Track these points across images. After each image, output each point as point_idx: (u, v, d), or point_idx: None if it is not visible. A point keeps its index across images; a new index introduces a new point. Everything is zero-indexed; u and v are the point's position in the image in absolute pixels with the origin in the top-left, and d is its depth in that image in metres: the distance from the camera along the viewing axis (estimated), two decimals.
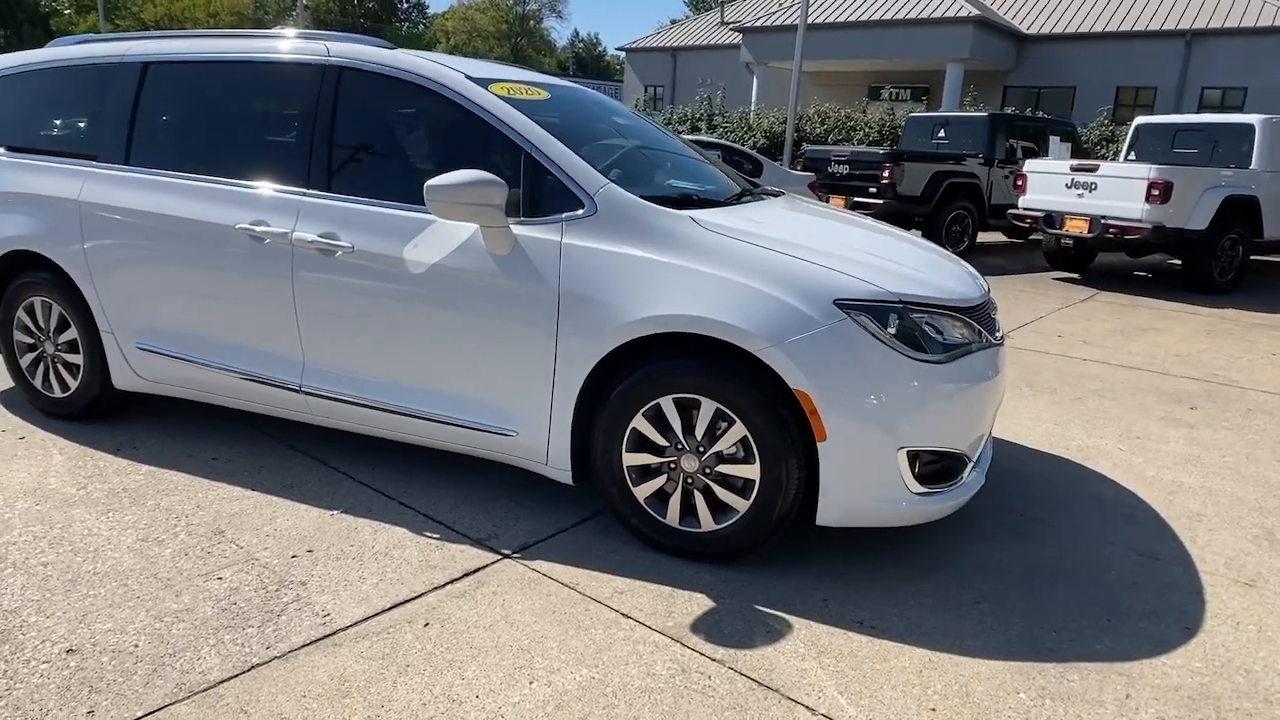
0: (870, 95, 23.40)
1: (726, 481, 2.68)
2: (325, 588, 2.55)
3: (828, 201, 10.27)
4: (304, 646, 2.27)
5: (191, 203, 3.25)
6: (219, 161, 3.29)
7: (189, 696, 2.05)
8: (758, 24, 22.55)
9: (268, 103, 3.26)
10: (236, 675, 2.14)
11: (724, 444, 2.64)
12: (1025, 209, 9.20)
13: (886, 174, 9.65)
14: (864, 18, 21.33)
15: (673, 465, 2.73)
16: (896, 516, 2.63)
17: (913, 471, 2.59)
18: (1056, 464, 3.79)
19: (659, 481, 2.76)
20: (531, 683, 2.15)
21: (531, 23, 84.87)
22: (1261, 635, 2.50)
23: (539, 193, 2.84)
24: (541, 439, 2.88)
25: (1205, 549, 3.03)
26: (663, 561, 2.77)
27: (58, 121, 3.67)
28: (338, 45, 3.17)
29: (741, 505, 2.66)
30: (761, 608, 2.53)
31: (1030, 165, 9.21)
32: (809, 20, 21.30)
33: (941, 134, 11.18)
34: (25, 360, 3.81)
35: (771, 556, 2.81)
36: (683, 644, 2.34)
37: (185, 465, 3.38)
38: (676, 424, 2.69)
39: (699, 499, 2.72)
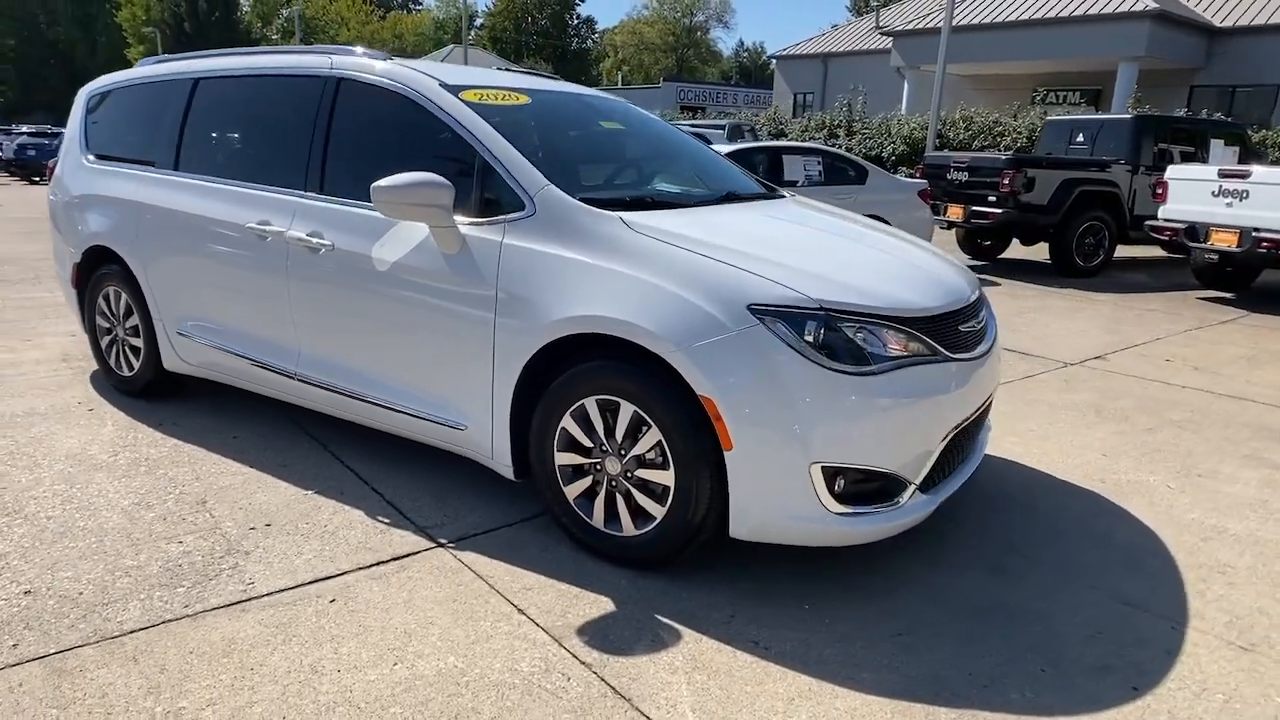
0: (1035, 99, 21.90)
1: (646, 487, 2.64)
2: (264, 559, 2.74)
3: (943, 212, 9.73)
4: (216, 609, 2.45)
5: (216, 203, 3.59)
6: (242, 165, 3.62)
7: (98, 641, 2.28)
8: (908, 26, 21.66)
9: (281, 111, 3.54)
10: (146, 628, 2.35)
11: (641, 448, 2.60)
12: (1165, 220, 8.30)
13: (1006, 181, 9.00)
14: (1027, 16, 19.99)
15: (598, 467, 2.73)
16: (812, 536, 2.49)
17: (831, 489, 2.44)
18: (1080, 497, 3.43)
19: (586, 482, 2.76)
20: (395, 664, 2.22)
21: (698, 34, 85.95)
22: (1227, 706, 2.16)
23: (490, 194, 2.91)
24: (487, 434, 2.95)
25: (1212, 604, 2.64)
26: (588, 563, 2.77)
27: (132, 132, 4.16)
28: (339, 59, 3.40)
29: (659, 512, 2.61)
30: (661, 616, 2.47)
31: (1172, 171, 8.31)
32: (963, 21, 20.29)
33: (1080, 139, 10.30)
34: (104, 342, 4.32)
35: (704, 566, 2.74)
36: (560, 644, 2.33)
37: (207, 441, 3.72)
38: (599, 426, 2.68)
39: (620, 502, 2.70)
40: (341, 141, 3.31)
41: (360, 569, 2.70)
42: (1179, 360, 5.77)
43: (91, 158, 4.26)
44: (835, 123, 18.97)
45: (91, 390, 4.38)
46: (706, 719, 2.05)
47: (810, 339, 2.41)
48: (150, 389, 4.18)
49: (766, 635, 2.40)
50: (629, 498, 2.68)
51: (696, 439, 2.47)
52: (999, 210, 9.11)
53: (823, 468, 2.41)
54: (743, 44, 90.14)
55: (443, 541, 2.90)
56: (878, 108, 20.56)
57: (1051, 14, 19.58)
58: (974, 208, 9.39)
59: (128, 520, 2.97)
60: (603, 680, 2.18)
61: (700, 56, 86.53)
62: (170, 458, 3.53)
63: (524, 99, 3.34)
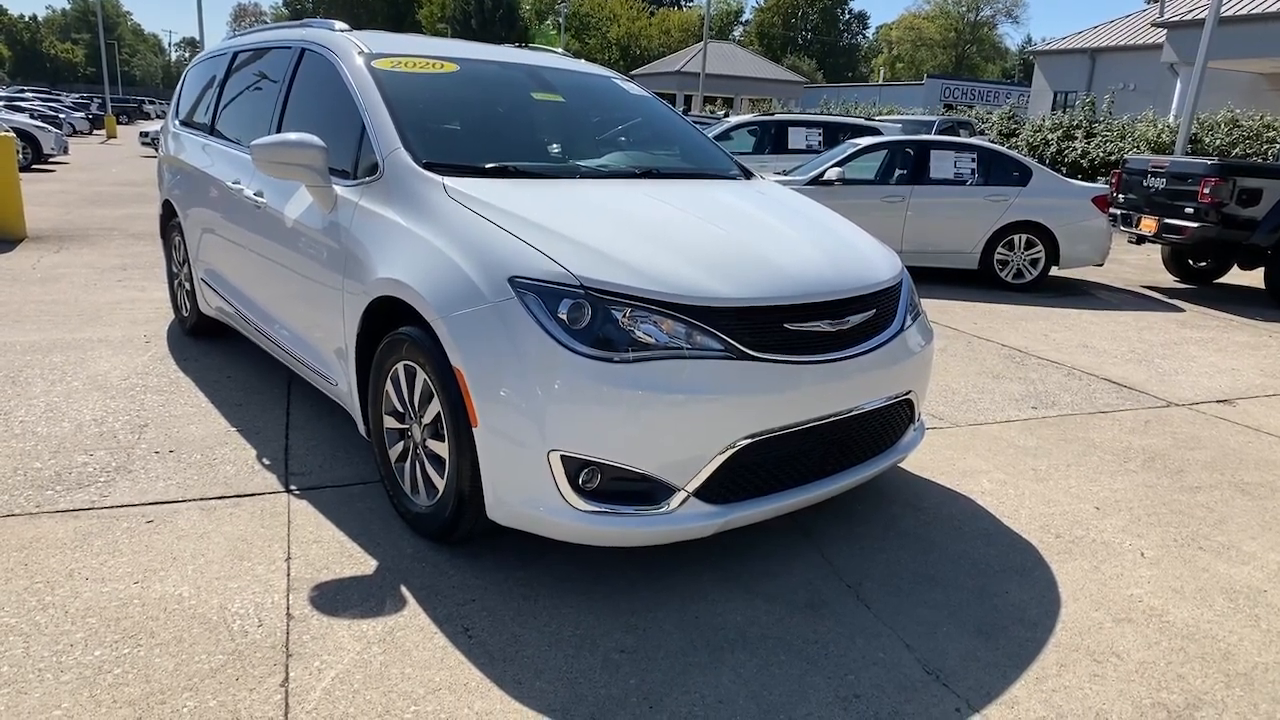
0: None
1: (437, 458, 2.60)
2: (137, 479, 3.04)
3: (1136, 224, 8.37)
4: (55, 512, 2.77)
5: (219, 163, 4.01)
6: (239, 129, 4.01)
7: None
8: (1184, 16, 18.70)
9: (266, 80, 3.86)
10: None
11: (429, 417, 2.57)
12: None
13: (1207, 190, 7.55)
14: None
15: (408, 434, 2.73)
16: (557, 529, 2.32)
17: (576, 483, 2.26)
18: (1006, 548, 2.86)
19: (401, 447, 2.77)
20: (136, 583, 2.39)
21: (984, 30, 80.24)
22: None
23: (367, 157, 2.99)
24: (347, 391, 3.05)
25: (1042, 696, 2.11)
26: (396, 527, 2.78)
27: (195, 101, 4.74)
28: (309, 30, 3.65)
29: (440, 485, 2.57)
30: (404, 588, 2.44)
31: None
32: (1259, 9, 17.20)
33: None
34: (174, 285, 4.99)
35: (498, 550, 2.65)
36: (289, 593, 2.38)
37: (202, 377, 4.17)
38: (406, 392, 2.67)
39: (418, 471, 2.68)
40: (295, 105, 3.56)
41: (200, 499, 2.92)
42: None
43: (177, 123, 4.92)
44: (1074, 124, 16.90)
45: (165, 328, 5.07)
46: (341, 688, 2.01)
47: (563, 317, 2.24)
48: (196, 329, 4.75)
49: (486, 626, 2.28)
50: (423, 468, 2.66)
51: (464, 413, 2.40)
52: (1194, 224, 7.68)
53: (562, 457, 2.24)
54: (1030, 40, 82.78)
55: (293, 489, 3.04)
56: (1148, 109, 17.94)
57: None
58: (1167, 220, 7.99)
59: (74, 431, 3.43)
60: (287, 633, 2.20)
61: (983, 53, 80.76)
62: (159, 386, 4.01)
63: (449, 67, 3.38)
